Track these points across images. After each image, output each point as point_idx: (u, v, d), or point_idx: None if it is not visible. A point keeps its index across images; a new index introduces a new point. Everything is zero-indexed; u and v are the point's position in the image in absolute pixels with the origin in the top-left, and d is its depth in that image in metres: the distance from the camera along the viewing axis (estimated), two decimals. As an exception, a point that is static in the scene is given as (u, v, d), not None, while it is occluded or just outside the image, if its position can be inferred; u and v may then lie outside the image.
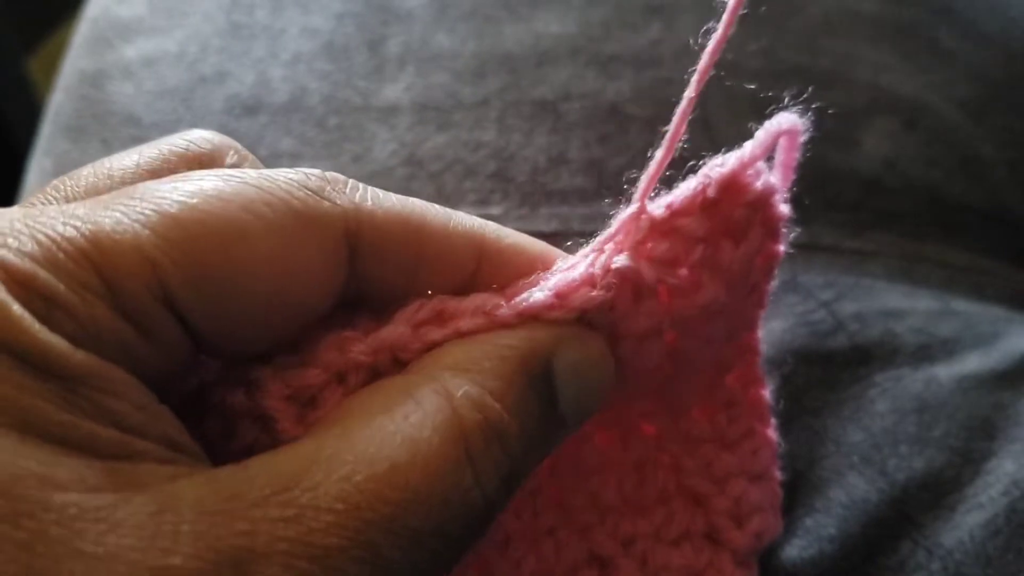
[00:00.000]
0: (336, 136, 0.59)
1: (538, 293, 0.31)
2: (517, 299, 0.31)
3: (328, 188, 0.29)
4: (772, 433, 0.41)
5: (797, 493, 0.43)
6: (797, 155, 0.36)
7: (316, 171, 0.30)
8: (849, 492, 0.43)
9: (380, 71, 0.62)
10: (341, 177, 0.30)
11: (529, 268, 0.32)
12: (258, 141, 0.59)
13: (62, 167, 0.62)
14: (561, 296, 0.31)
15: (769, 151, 0.33)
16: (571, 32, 0.62)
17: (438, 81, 0.61)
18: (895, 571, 0.40)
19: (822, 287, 0.50)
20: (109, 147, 0.61)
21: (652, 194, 0.32)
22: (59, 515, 0.22)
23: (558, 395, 0.29)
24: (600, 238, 0.32)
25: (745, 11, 0.32)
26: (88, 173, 0.30)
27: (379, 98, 0.60)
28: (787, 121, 0.34)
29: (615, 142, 0.56)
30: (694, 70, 0.31)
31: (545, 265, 0.32)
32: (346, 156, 0.58)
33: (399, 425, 0.26)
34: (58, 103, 0.67)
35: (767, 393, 0.40)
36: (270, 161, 0.58)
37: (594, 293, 0.31)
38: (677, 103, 0.31)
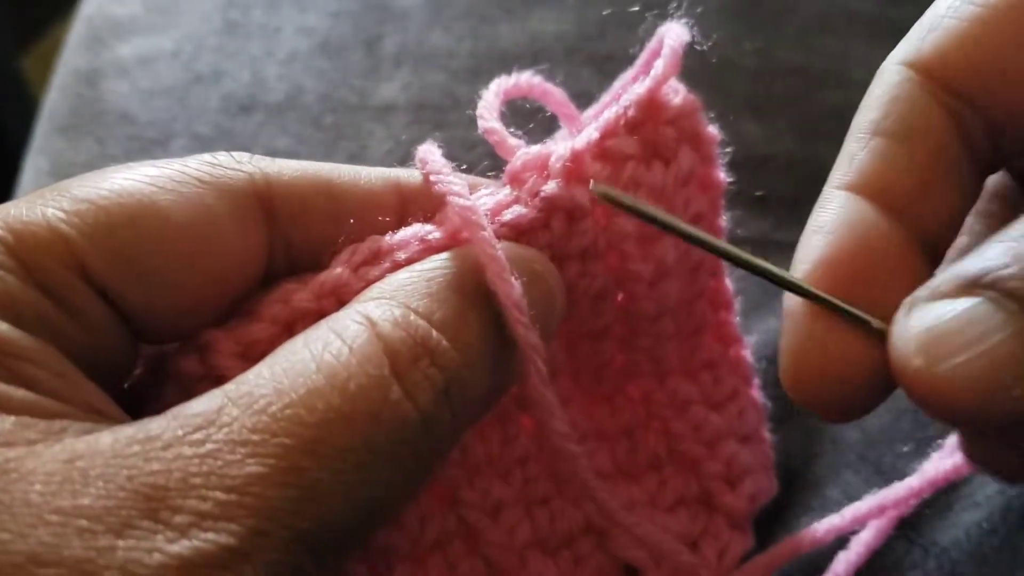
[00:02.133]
0: (332, 135, 0.59)
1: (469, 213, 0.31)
2: (449, 221, 0.31)
3: (232, 160, 0.31)
4: (757, 394, 0.41)
5: (793, 491, 0.43)
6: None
7: (221, 152, 0.31)
8: (845, 490, 0.43)
9: (376, 70, 0.62)
10: (246, 153, 0.31)
11: None
12: (253, 140, 0.59)
13: (58, 166, 0.61)
14: (492, 213, 0.31)
15: (678, 67, 0.34)
16: (567, 31, 0.62)
17: (434, 80, 0.61)
18: (891, 569, 0.40)
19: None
20: (104, 146, 0.61)
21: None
22: None
23: None
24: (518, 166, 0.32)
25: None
26: None
27: (375, 97, 0.60)
28: (676, 32, 0.34)
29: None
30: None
31: (473, 192, 0.33)
32: (342, 154, 0.58)
33: (317, 355, 0.26)
34: (53, 102, 0.66)
35: (747, 353, 0.41)
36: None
37: (524, 210, 0.31)
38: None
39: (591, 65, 0.60)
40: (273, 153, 0.57)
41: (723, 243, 0.30)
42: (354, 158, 0.57)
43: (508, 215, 0.31)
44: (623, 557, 0.37)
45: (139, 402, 0.30)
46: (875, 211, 0.29)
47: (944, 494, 0.42)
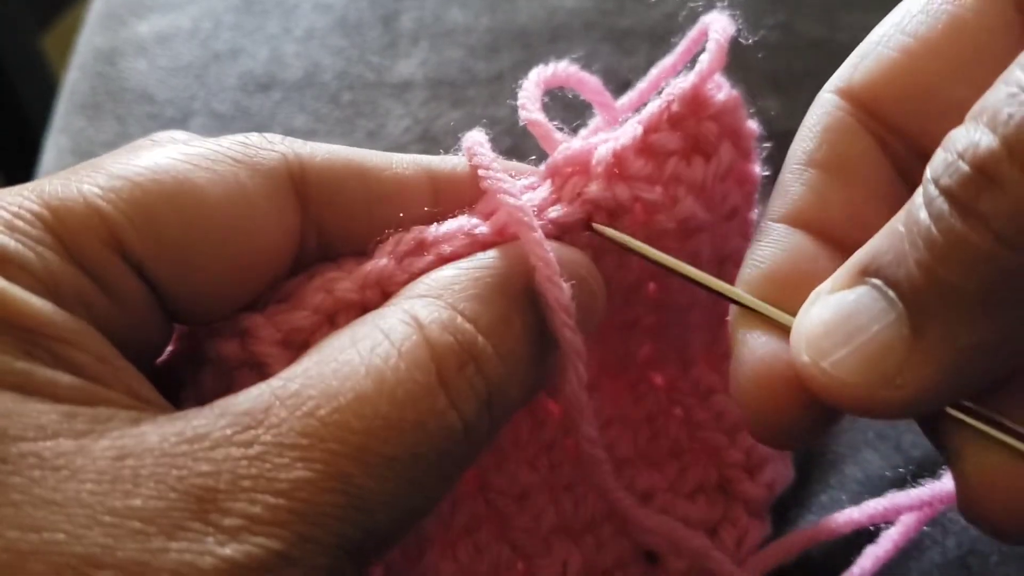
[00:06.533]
0: (350, 112, 0.59)
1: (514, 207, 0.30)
2: (495, 216, 0.31)
3: (264, 140, 0.30)
4: None
5: (812, 469, 0.43)
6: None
7: (253, 133, 0.31)
8: (864, 468, 0.43)
9: (394, 47, 0.62)
10: (278, 135, 0.31)
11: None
12: (271, 118, 0.59)
13: (78, 144, 0.62)
14: (538, 210, 0.31)
15: (724, 60, 0.33)
16: (585, 6, 0.62)
17: (452, 56, 0.60)
18: (909, 547, 0.40)
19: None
20: (124, 124, 0.61)
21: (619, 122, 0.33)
22: (16, 465, 0.22)
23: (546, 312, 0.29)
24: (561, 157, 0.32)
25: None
26: None
27: (393, 74, 0.60)
28: (721, 24, 0.34)
29: (630, 117, 0.55)
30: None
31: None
32: (360, 132, 0.58)
33: (365, 357, 0.26)
34: (73, 81, 0.67)
35: None
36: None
37: (569, 208, 0.31)
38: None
39: (610, 41, 0.60)
40: (291, 131, 0.58)
41: (736, 289, 0.30)
42: (372, 135, 0.57)
43: (553, 213, 0.31)
44: (643, 543, 0.38)
45: (173, 382, 0.30)
46: (811, 241, 0.30)
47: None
